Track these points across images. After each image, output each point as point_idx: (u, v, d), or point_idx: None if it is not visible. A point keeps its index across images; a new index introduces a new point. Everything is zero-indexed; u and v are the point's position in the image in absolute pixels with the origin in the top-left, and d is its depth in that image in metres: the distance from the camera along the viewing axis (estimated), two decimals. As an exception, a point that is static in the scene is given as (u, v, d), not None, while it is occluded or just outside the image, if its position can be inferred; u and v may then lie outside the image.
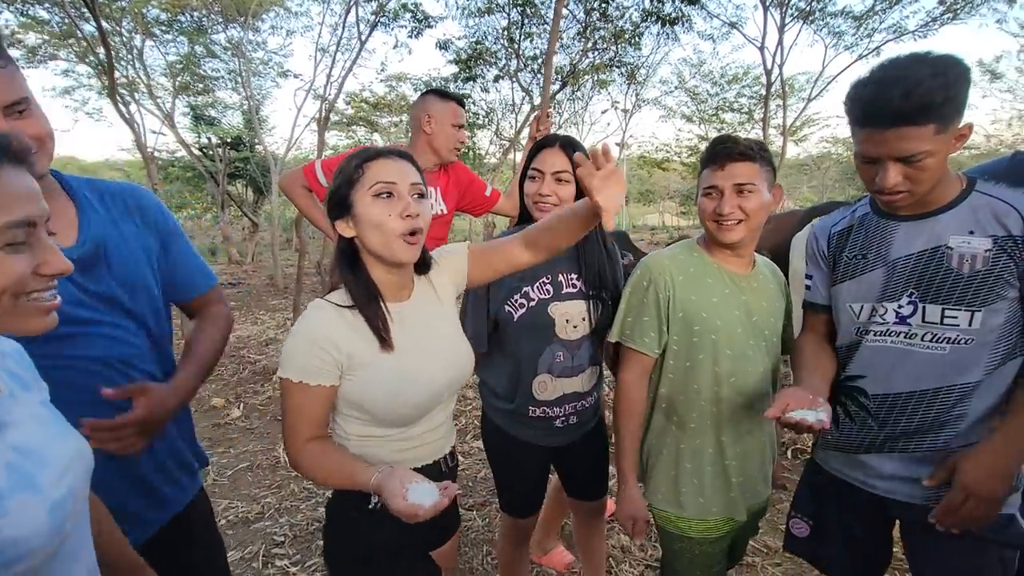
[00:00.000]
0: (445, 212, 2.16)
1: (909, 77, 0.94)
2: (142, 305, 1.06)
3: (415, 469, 1.08)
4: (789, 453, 3.05)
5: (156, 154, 15.14)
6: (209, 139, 13.88)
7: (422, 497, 0.89)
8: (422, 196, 1.04)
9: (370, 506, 1.04)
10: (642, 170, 21.35)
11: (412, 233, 1.00)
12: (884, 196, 1.07)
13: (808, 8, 9.24)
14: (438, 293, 1.17)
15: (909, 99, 0.94)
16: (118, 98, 5.99)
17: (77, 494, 0.64)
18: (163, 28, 10.72)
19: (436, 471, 1.14)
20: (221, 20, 10.68)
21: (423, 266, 1.15)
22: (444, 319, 1.15)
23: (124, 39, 10.05)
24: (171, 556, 1.06)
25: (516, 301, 1.41)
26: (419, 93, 2.33)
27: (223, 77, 12.93)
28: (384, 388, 1.01)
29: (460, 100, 2.17)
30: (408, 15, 8.93)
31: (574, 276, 1.44)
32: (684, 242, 1.38)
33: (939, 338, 1.08)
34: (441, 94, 2.13)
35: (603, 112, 21.03)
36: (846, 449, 1.24)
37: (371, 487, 0.94)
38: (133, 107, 10.63)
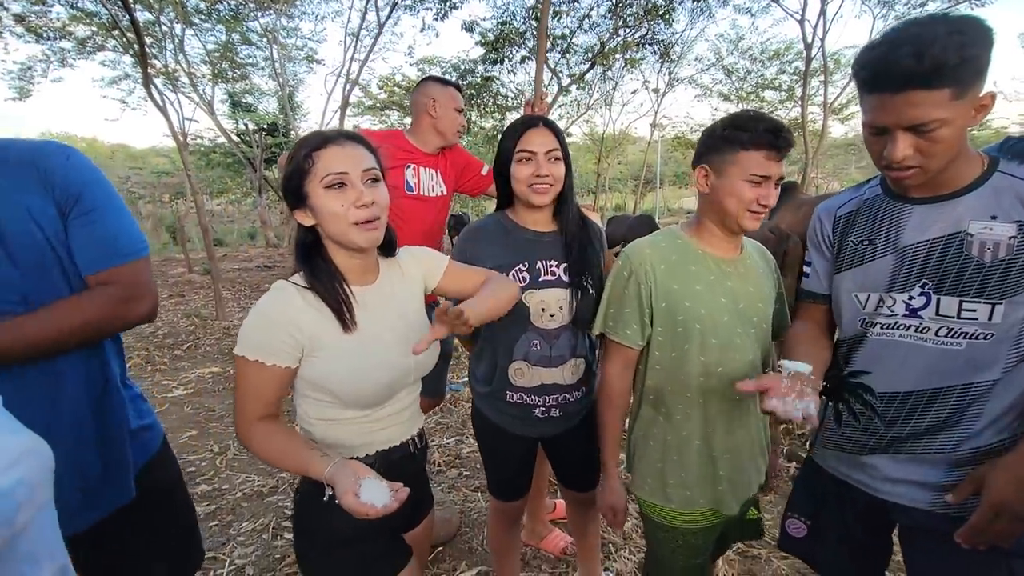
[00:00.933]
0: (445, 193, 2.19)
1: (923, 36, 0.85)
2: (44, 294, 0.95)
3: (385, 450, 1.11)
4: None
5: (198, 141, 15.75)
6: (246, 125, 14.31)
7: (374, 497, 0.88)
8: (376, 180, 1.02)
9: (324, 499, 1.02)
10: (677, 152, 20.75)
11: (369, 220, 0.99)
12: (893, 172, 0.97)
13: (854, -25, 8.70)
14: (406, 278, 1.17)
15: (921, 59, 0.84)
16: (154, 86, 6.22)
17: (34, 487, 0.61)
18: (202, 16, 11.04)
19: (406, 452, 1.16)
20: (256, 7, 10.91)
21: (388, 248, 1.15)
22: (411, 303, 1.16)
23: (166, 28, 10.40)
24: (126, 528, 1.10)
25: None
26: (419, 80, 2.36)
27: (258, 64, 13.26)
28: (348, 369, 1.01)
29: (458, 86, 2.21)
30: (434, -4, 8.91)
31: (554, 263, 1.40)
32: (669, 228, 1.33)
33: (955, 333, 0.99)
34: (441, 80, 2.16)
35: (633, 92, 20.43)
36: (849, 449, 1.17)
37: (324, 478, 0.92)
38: (173, 95, 11.02)
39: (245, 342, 0.97)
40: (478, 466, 2.90)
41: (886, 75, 0.88)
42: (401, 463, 1.14)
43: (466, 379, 3.43)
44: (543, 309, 1.39)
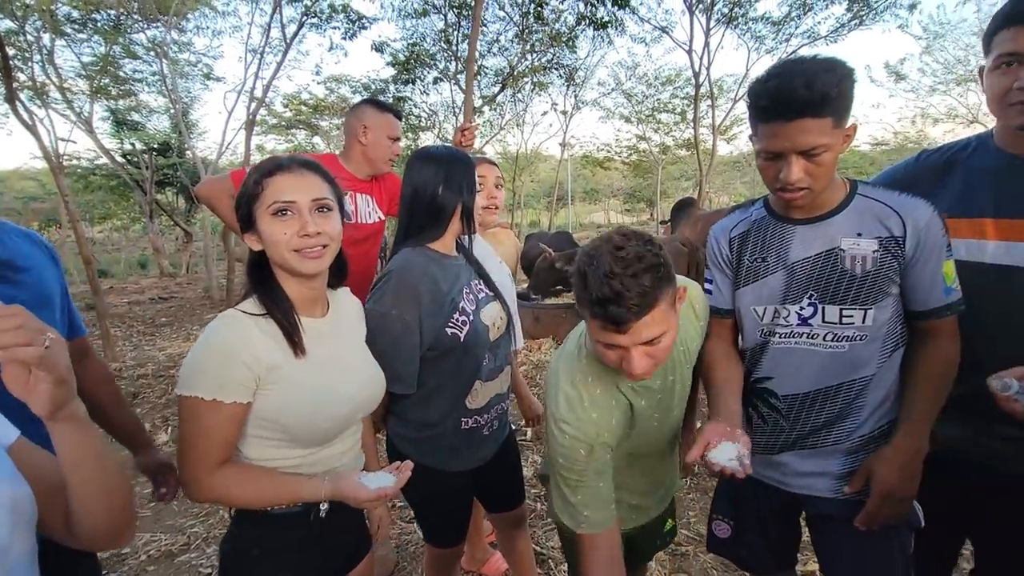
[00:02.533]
0: (382, 219, 2.17)
1: (807, 71, 0.98)
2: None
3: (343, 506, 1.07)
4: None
5: (75, 162, 14.16)
6: (133, 145, 13.09)
7: (381, 483, 1.00)
8: (327, 209, 1.01)
9: (321, 514, 1.04)
10: (585, 169, 21.78)
11: (312, 247, 0.98)
12: (787, 194, 1.08)
13: (731, 13, 9.71)
14: (357, 312, 1.17)
15: (811, 89, 0.97)
16: (20, 102, 5.55)
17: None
18: (76, 27, 10.01)
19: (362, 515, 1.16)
20: (140, 19, 10.09)
21: (338, 279, 1.14)
22: (360, 338, 1.16)
23: (32, 38, 9.32)
24: None
25: (458, 320, 1.35)
26: (358, 96, 2.30)
27: (146, 79, 12.23)
28: (305, 400, 0.98)
29: (398, 113, 2.15)
30: (341, 15, 8.75)
31: (476, 281, 1.46)
32: (577, 363, 1.13)
33: (839, 337, 1.13)
34: (379, 105, 2.08)
35: (543, 114, 21.26)
36: (761, 450, 1.26)
37: (324, 495, 0.98)
38: (43, 112, 9.88)
39: (198, 380, 0.91)
40: (412, 495, 2.83)
41: (783, 104, 1.00)
42: (345, 506, 1.09)
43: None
44: (493, 324, 1.43)
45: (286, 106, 13.89)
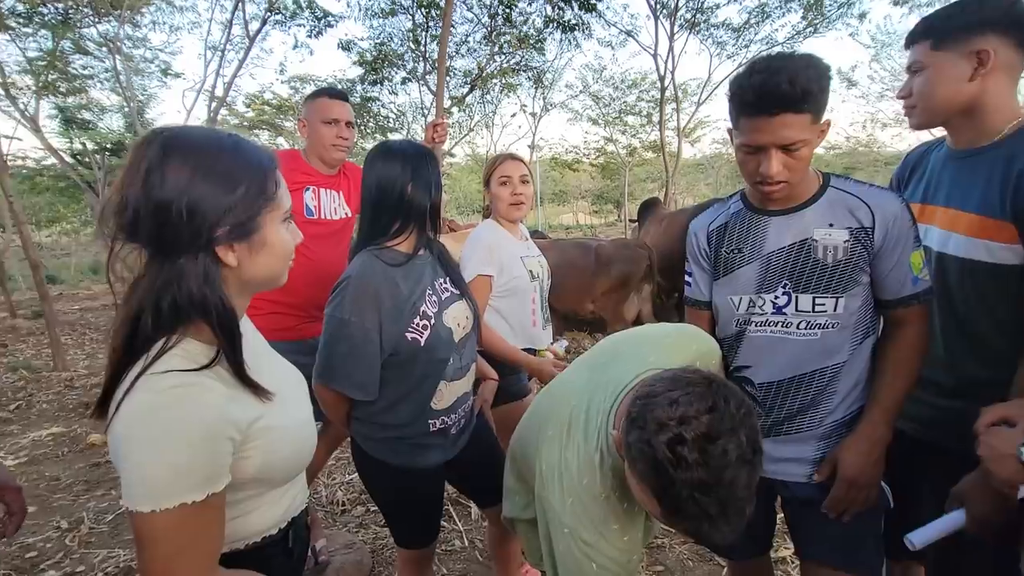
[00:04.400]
0: (350, 216, 2.10)
1: (790, 67, 1.02)
2: None
3: (295, 516, 0.95)
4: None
5: (20, 162, 13.42)
6: (84, 145, 12.49)
7: None
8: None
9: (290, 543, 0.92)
10: (554, 171, 21.95)
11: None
12: (766, 187, 1.12)
13: (694, 19, 9.97)
14: (247, 321, 0.95)
15: (794, 85, 1.00)
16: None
17: None
18: (20, 21, 9.50)
19: (305, 513, 1.02)
20: (92, 13, 9.65)
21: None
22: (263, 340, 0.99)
23: (-31, 32, 8.81)
24: None
25: (418, 325, 1.31)
26: None
27: (98, 76, 11.70)
28: (286, 440, 0.84)
29: (335, 94, 1.98)
30: (306, 13, 8.59)
31: (442, 280, 1.42)
32: (614, 483, 0.97)
33: (812, 324, 1.16)
34: (313, 94, 1.98)
35: (512, 115, 21.39)
36: None
37: None
38: (-16, 109, 9.35)
39: (181, 484, 0.68)
40: (386, 498, 2.78)
41: (766, 98, 1.03)
42: (303, 521, 1.00)
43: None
44: (459, 324, 1.40)
45: (248, 106, 13.55)
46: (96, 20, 9.72)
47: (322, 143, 1.95)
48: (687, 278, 1.38)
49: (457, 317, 1.40)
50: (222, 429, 0.71)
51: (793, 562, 2.11)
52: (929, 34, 1.17)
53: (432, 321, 1.33)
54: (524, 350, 1.79)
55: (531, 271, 1.86)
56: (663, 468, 0.74)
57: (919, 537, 0.99)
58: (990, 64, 1.10)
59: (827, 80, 1.06)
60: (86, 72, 11.46)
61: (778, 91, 1.01)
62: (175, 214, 0.69)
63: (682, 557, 2.22)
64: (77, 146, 12.72)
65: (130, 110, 10.07)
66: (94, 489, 3.02)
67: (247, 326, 0.91)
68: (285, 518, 0.92)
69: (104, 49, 10.35)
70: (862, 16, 10.01)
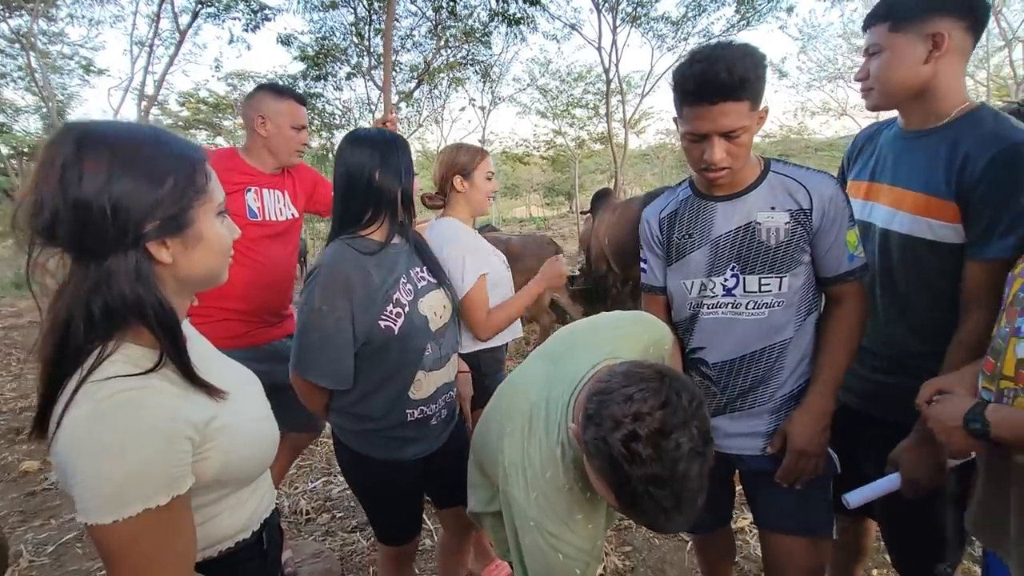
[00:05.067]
0: (297, 216, 2.03)
1: (727, 56, 1.05)
2: None
3: (268, 517, 0.94)
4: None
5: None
6: (-2, 149, 11.55)
7: None
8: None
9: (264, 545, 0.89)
10: (506, 165, 21.98)
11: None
12: (711, 174, 1.15)
13: (635, 12, 10.19)
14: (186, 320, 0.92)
15: (732, 74, 1.04)
16: None
17: None
18: (-88, 14, 8.65)
19: (277, 514, 1.00)
20: (1, 7, 8.88)
21: None
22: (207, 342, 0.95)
23: None
24: None
25: (391, 312, 1.31)
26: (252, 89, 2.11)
27: (10, 75, 10.81)
28: (244, 438, 0.82)
29: (299, 98, 1.94)
30: (241, 5, 8.21)
31: (418, 269, 1.42)
32: (576, 475, 0.98)
33: (759, 304, 1.21)
34: (276, 91, 1.90)
35: (461, 110, 21.24)
36: None
37: None
38: None
39: (142, 490, 0.65)
40: (352, 504, 2.74)
41: (707, 87, 1.06)
42: (275, 522, 0.99)
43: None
44: (435, 313, 1.40)
45: (183, 104, 12.87)
46: (6, 14, 8.96)
47: (288, 147, 1.91)
48: (643, 265, 1.42)
49: (434, 306, 1.40)
50: (178, 429, 0.68)
51: (751, 531, 2.22)
52: (888, 16, 1.19)
53: (406, 309, 1.33)
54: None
55: (503, 262, 1.87)
56: (619, 464, 0.76)
57: (855, 497, 1.08)
58: (944, 47, 1.14)
59: (763, 68, 1.11)
60: (-5, 70, 10.59)
61: (717, 80, 1.05)
62: (97, 212, 0.65)
63: (648, 536, 2.29)
64: (-11, 151, 11.75)
65: (48, 110, 9.36)
66: (31, 520, 2.82)
67: (189, 330, 0.87)
68: (255, 520, 0.89)
69: (16, 45, 9.56)
70: (790, 10, 10.52)
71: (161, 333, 0.72)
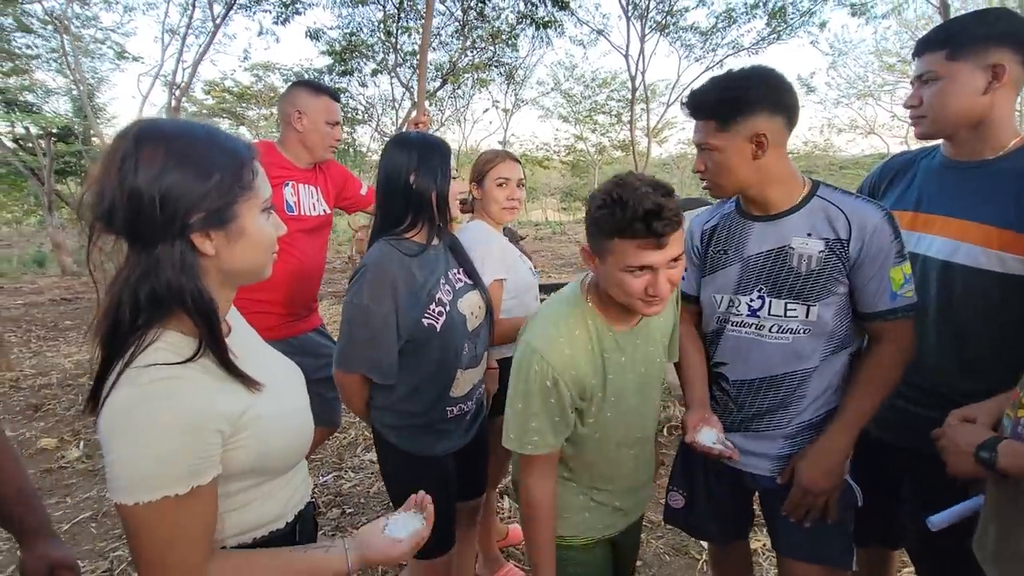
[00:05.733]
0: (328, 213, 2.05)
1: (708, 85, 1.17)
2: None
3: (301, 510, 0.95)
4: (665, 430, 3.33)
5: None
6: (27, 129, 11.76)
7: (411, 526, 0.90)
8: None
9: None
10: (525, 168, 22.01)
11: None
12: (701, 179, 1.25)
13: (664, 21, 10.13)
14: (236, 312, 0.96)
15: (693, 97, 1.18)
16: None
17: None
18: (-46, -7, 8.86)
19: (312, 506, 1.02)
20: (36, -11, 9.07)
21: None
22: (252, 330, 0.99)
23: None
24: None
25: (434, 311, 1.35)
26: (288, 85, 2.15)
27: (43, 56, 11.03)
28: (280, 430, 0.84)
29: (334, 94, 1.99)
30: (272, -1, 8.30)
31: (455, 270, 1.45)
32: (573, 305, 1.17)
33: (783, 329, 1.19)
34: (313, 87, 1.95)
35: (484, 111, 21.31)
36: None
37: (350, 569, 0.84)
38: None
39: (164, 478, 0.69)
40: (362, 501, 2.74)
41: (689, 107, 1.20)
42: (309, 514, 1.01)
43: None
44: (472, 313, 1.43)
45: (208, 92, 13.05)
46: (42, -3, 9.16)
47: (323, 143, 1.95)
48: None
49: (471, 306, 1.43)
50: (207, 422, 0.71)
51: (763, 553, 2.18)
52: (947, 43, 1.16)
53: (447, 308, 1.37)
54: None
55: (530, 268, 1.87)
56: (594, 197, 1.03)
57: (939, 519, 1.03)
58: (1004, 79, 1.12)
59: (738, 92, 1.13)
60: (30, 51, 10.80)
61: (692, 102, 1.19)
62: (147, 202, 0.69)
63: (659, 552, 2.26)
64: (19, 130, 11.97)
65: (79, 93, 9.54)
66: (47, 497, 2.85)
67: (237, 320, 0.92)
68: (289, 510, 0.91)
69: (50, 27, 9.76)
70: (822, 25, 10.38)
71: (199, 320, 0.74)
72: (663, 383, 1.37)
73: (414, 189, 1.34)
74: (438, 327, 1.35)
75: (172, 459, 0.69)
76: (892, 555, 1.52)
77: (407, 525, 0.89)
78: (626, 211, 0.96)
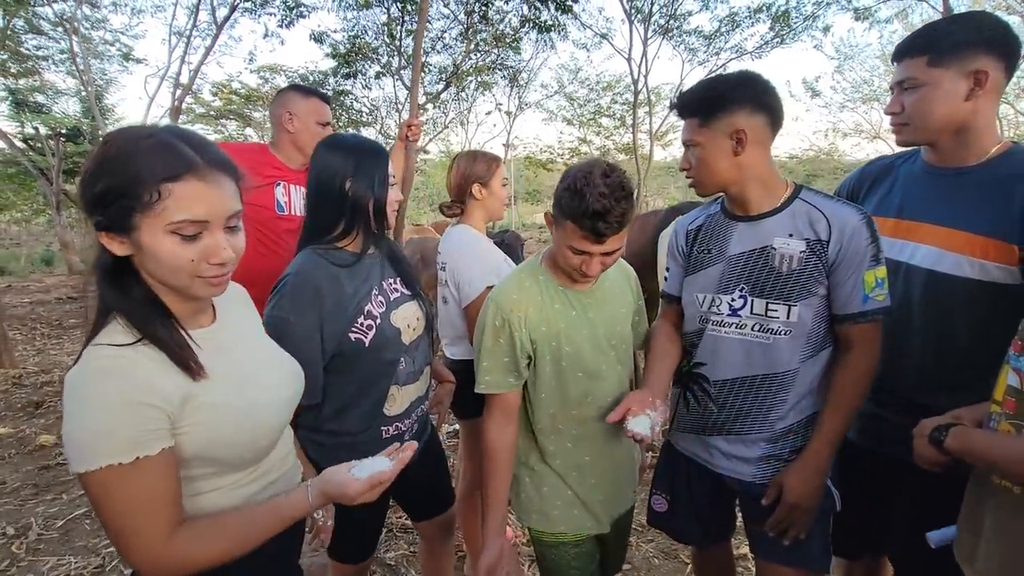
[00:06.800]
0: None
1: (697, 82, 1.26)
2: None
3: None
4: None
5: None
6: (36, 129, 11.88)
7: (376, 465, 0.90)
8: (237, 228, 0.84)
9: (308, 530, 0.94)
10: (528, 171, 22.02)
11: (222, 273, 0.82)
12: (687, 176, 1.29)
13: (667, 25, 10.13)
14: (242, 299, 1.03)
15: (681, 97, 1.25)
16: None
17: None
18: (-34, -4, 8.96)
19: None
20: (46, -9, 9.16)
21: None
22: (258, 328, 1.04)
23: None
24: None
25: (362, 325, 1.27)
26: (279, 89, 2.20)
27: (52, 58, 11.15)
28: (232, 423, 0.85)
29: (324, 96, 2.03)
30: (278, 1, 8.37)
31: (391, 280, 1.38)
32: (528, 266, 1.33)
33: (764, 328, 1.20)
34: (303, 90, 2.00)
35: (488, 114, 21.37)
36: (694, 431, 1.35)
37: (311, 505, 0.87)
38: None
39: (104, 446, 0.73)
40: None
41: (677, 106, 1.26)
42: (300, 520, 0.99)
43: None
44: (408, 325, 1.37)
45: (215, 94, 13.14)
46: (52, -1, 9.26)
47: (313, 142, 1.95)
48: (665, 273, 1.45)
49: (407, 318, 1.37)
50: (143, 396, 0.76)
51: (751, 558, 2.17)
52: (928, 50, 1.15)
53: (378, 321, 1.30)
54: None
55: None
56: (565, 176, 1.16)
57: (937, 536, 1.03)
58: (987, 85, 1.11)
59: (720, 91, 1.18)
60: (40, 53, 10.93)
61: (679, 101, 1.26)
62: (79, 192, 0.80)
63: (648, 555, 2.26)
64: (29, 130, 12.11)
65: (87, 94, 9.64)
66: (43, 493, 2.89)
67: (239, 310, 1.00)
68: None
69: (60, 29, 9.87)
70: (826, 29, 10.35)
71: (131, 313, 0.81)
72: (630, 361, 1.42)
73: (350, 196, 1.26)
74: (367, 342, 1.27)
75: (110, 430, 0.74)
76: (885, 561, 1.51)
77: (372, 467, 0.90)
78: (580, 204, 1.10)
